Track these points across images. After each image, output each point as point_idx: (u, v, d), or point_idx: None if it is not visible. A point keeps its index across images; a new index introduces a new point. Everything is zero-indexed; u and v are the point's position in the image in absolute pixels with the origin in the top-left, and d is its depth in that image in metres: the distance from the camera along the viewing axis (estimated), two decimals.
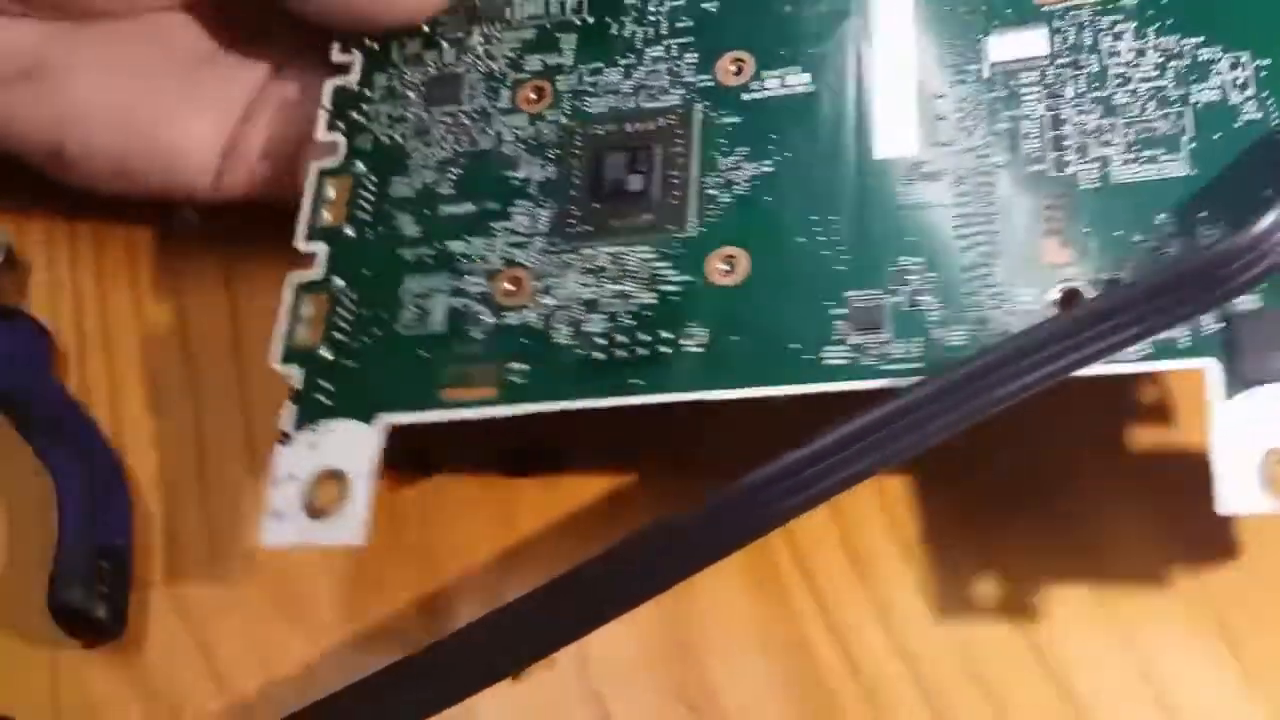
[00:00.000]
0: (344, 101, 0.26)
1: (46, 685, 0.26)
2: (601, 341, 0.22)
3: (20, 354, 0.28)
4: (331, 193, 0.24)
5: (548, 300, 0.23)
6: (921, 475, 0.25)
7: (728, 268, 0.22)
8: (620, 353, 0.22)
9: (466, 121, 0.24)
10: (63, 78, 0.28)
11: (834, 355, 0.20)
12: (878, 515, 0.25)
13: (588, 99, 0.24)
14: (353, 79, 0.26)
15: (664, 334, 0.22)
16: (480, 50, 0.25)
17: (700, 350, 0.21)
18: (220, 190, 0.27)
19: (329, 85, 0.26)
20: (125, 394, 0.29)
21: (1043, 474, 0.25)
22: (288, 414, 0.23)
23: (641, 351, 0.22)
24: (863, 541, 0.25)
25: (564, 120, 0.24)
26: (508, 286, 0.23)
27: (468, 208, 0.24)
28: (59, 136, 0.27)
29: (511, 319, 0.22)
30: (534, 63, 0.25)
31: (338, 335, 0.23)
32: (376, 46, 0.26)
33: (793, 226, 0.22)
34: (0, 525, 0.28)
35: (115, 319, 0.30)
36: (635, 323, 0.22)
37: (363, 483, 0.22)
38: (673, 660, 0.24)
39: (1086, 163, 0.21)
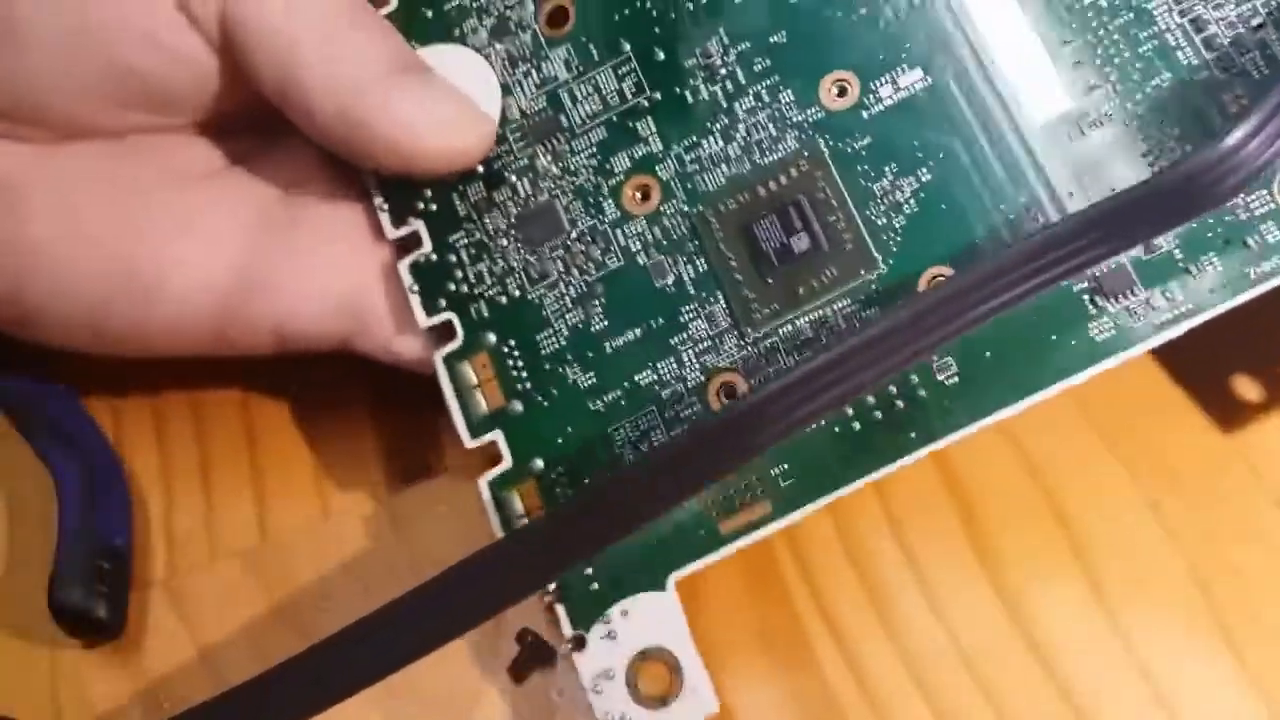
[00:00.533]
0: (432, 277, 0.24)
1: (46, 685, 0.27)
2: (849, 410, 0.22)
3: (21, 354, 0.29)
4: (471, 376, 0.24)
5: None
6: (922, 475, 0.26)
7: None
8: (875, 414, 0.22)
9: (582, 248, 0.24)
10: (16, 203, 0.25)
11: (1101, 329, 0.21)
12: (878, 515, 0.26)
13: (700, 177, 0.23)
14: (426, 249, 0.25)
15: (911, 377, 0.22)
16: (556, 169, 0.24)
17: (955, 381, 0.22)
18: (236, 344, 0.26)
19: (404, 267, 0.24)
20: (125, 394, 0.29)
21: (1043, 473, 0.26)
22: (563, 617, 0.22)
23: (898, 404, 0.22)
24: (863, 541, 0.26)
25: (686, 209, 0.24)
26: (720, 395, 0.22)
27: (634, 334, 0.23)
28: (15, 281, 0.25)
29: None
30: (622, 161, 0.24)
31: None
32: (434, 207, 0.25)
33: (984, 222, 0.22)
34: (0, 525, 0.29)
35: None
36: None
37: (689, 651, 0.22)
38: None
39: (1249, 51, 0.21)
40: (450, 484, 0.27)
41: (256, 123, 0.26)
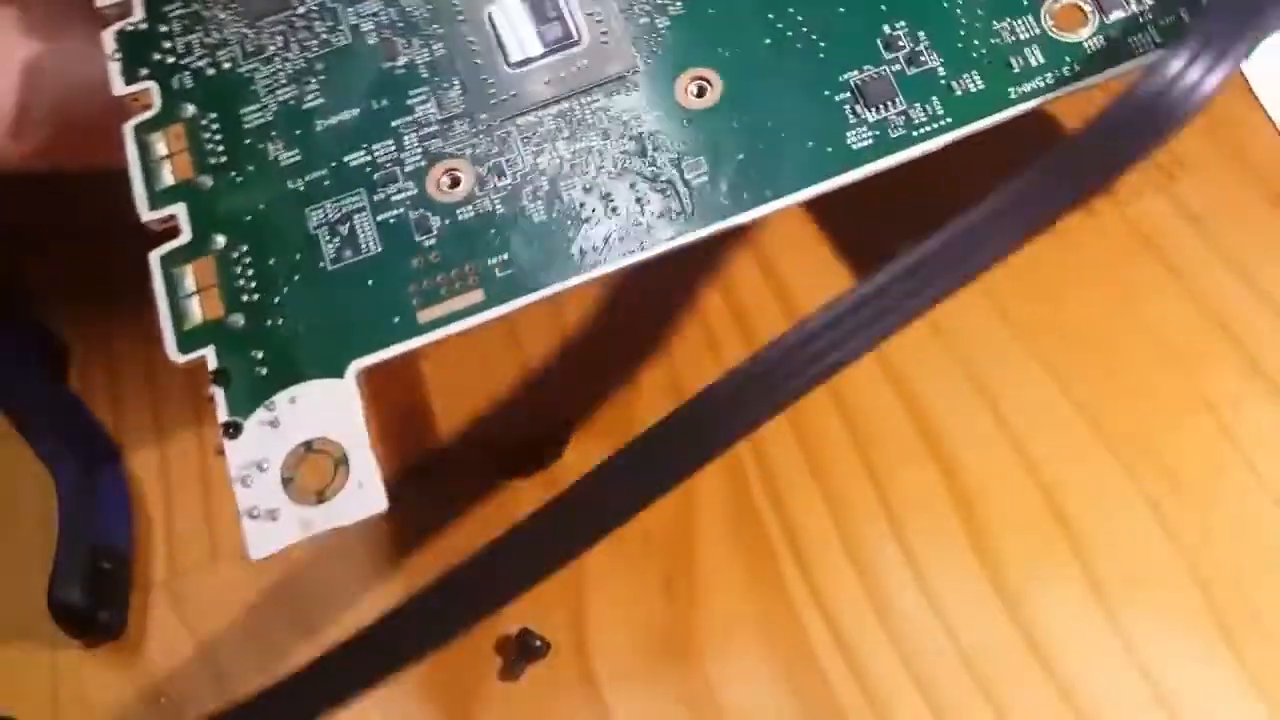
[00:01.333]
0: (137, 45, 0.24)
1: (47, 685, 0.29)
2: (583, 203, 0.22)
3: (21, 354, 0.32)
4: (162, 147, 0.23)
5: (503, 181, 0.22)
6: (922, 475, 0.29)
7: (699, 94, 0.22)
8: (615, 205, 0.22)
9: (307, 25, 0.23)
10: None
11: (859, 138, 0.22)
12: (878, 515, 0.29)
13: None
14: (137, 17, 0.24)
15: (665, 173, 0.22)
16: None
17: (706, 179, 0.22)
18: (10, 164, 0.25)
19: (108, 34, 0.24)
20: (125, 394, 0.32)
21: (1042, 473, 0.29)
22: (220, 402, 0.21)
23: (654, 195, 0.22)
24: (862, 541, 0.28)
25: None
26: (445, 181, 0.22)
27: (350, 114, 0.23)
28: None
29: (467, 214, 0.22)
30: None
31: (245, 297, 0.21)
32: None
33: (754, 28, 0.23)
34: (0, 525, 0.31)
35: (115, 319, 0.33)
36: (621, 175, 0.22)
37: (359, 443, 0.20)
38: (673, 660, 0.27)
39: None
40: (450, 482, 0.30)
41: None
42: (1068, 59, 0.22)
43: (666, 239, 0.21)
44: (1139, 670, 0.26)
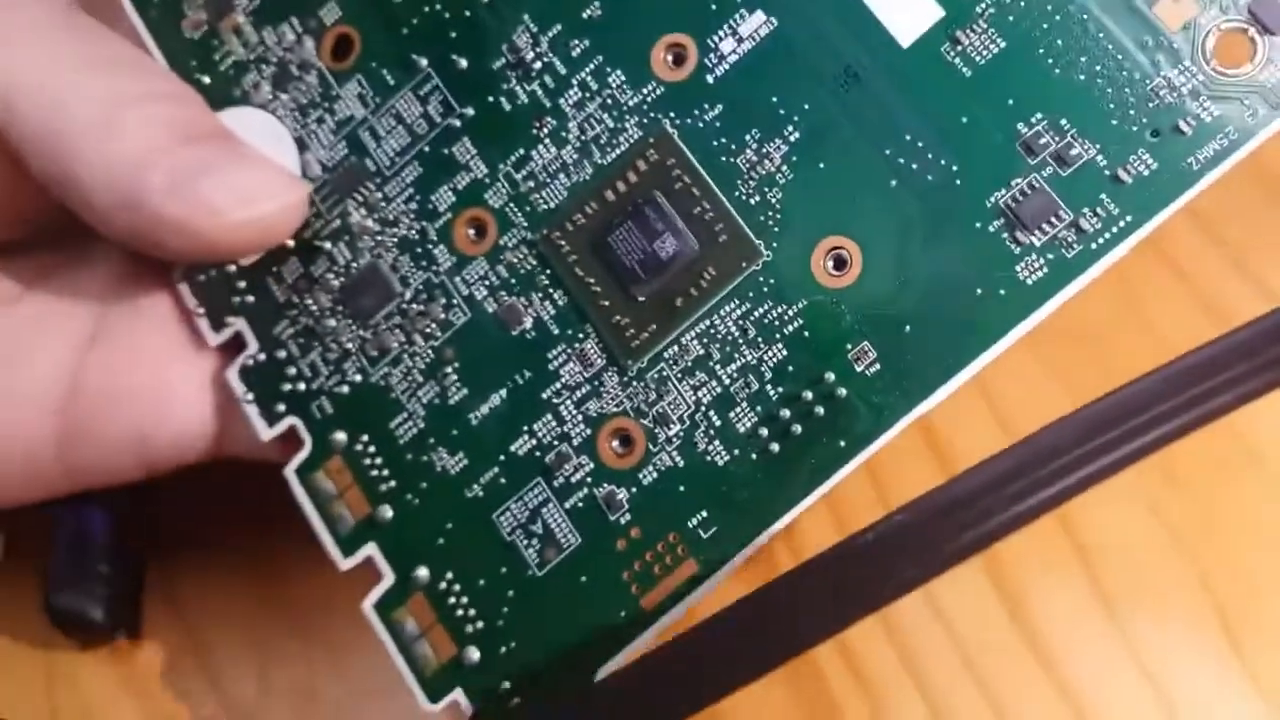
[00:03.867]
0: (264, 380, 0.24)
1: (43, 686, 0.29)
2: (764, 432, 0.21)
3: None
4: (329, 485, 0.23)
5: (669, 430, 0.21)
6: (922, 475, 0.28)
7: (838, 267, 0.21)
8: (796, 428, 0.21)
9: (420, 308, 0.23)
10: None
11: (1029, 269, 0.20)
12: (877, 514, 0.27)
13: (537, 196, 0.23)
14: (252, 350, 0.24)
15: (826, 375, 0.21)
16: (372, 224, 0.24)
17: (877, 369, 0.21)
18: (91, 472, 0.26)
19: (233, 376, 0.24)
20: None
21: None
22: None
23: (817, 410, 0.21)
24: None
25: (530, 235, 0.23)
26: (614, 447, 0.22)
27: (498, 397, 0.22)
28: None
29: (649, 476, 0.21)
30: (445, 197, 0.23)
31: (470, 627, 0.22)
32: (251, 299, 0.24)
33: (876, 173, 0.21)
34: None
35: None
36: (784, 385, 0.21)
37: None
38: None
39: None
40: None
41: (57, 232, 0.25)
42: (1247, 102, 0.19)
43: (863, 444, 0.20)
44: (1140, 670, 0.26)
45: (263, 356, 0.24)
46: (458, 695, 0.22)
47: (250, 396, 0.24)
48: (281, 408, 0.24)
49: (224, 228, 0.22)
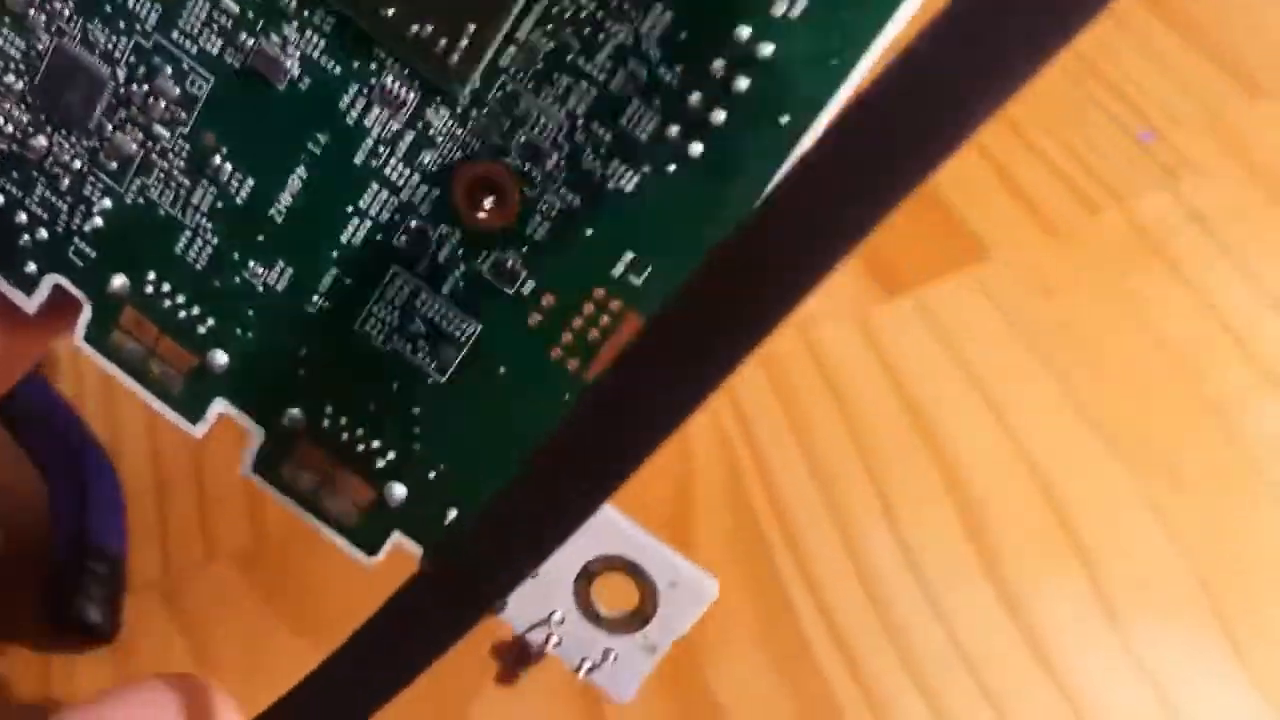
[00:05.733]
0: None
1: (40, 689, 0.29)
2: (674, 131, 0.15)
3: None
4: (135, 344, 0.17)
5: (546, 163, 0.15)
6: (922, 475, 0.29)
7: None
8: (716, 115, 0.14)
9: (143, 89, 0.16)
10: None
11: None
12: (878, 515, 0.29)
13: None
14: None
15: (738, 32, 0.14)
16: None
17: (804, 4, 0.15)
18: None
19: None
20: (119, 397, 0.32)
21: (1044, 474, 0.29)
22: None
23: (738, 83, 0.14)
24: (862, 542, 0.28)
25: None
26: (482, 203, 0.15)
27: (297, 179, 0.16)
28: None
29: (537, 229, 0.15)
30: None
31: (363, 447, 0.17)
32: None
33: None
34: None
35: None
36: (682, 60, 0.15)
37: (642, 542, 0.17)
38: (670, 661, 0.25)
39: None
40: None
41: None
42: None
43: (813, 110, 0.14)
44: (1141, 671, 0.27)
45: None
46: (397, 538, 0.18)
47: None
48: (32, 267, 0.18)
49: None
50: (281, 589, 0.30)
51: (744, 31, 0.14)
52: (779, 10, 0.14)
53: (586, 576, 0.17)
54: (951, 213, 0.34)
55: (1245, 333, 0.31)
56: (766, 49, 0.14)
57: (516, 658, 0.27)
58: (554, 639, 0.18)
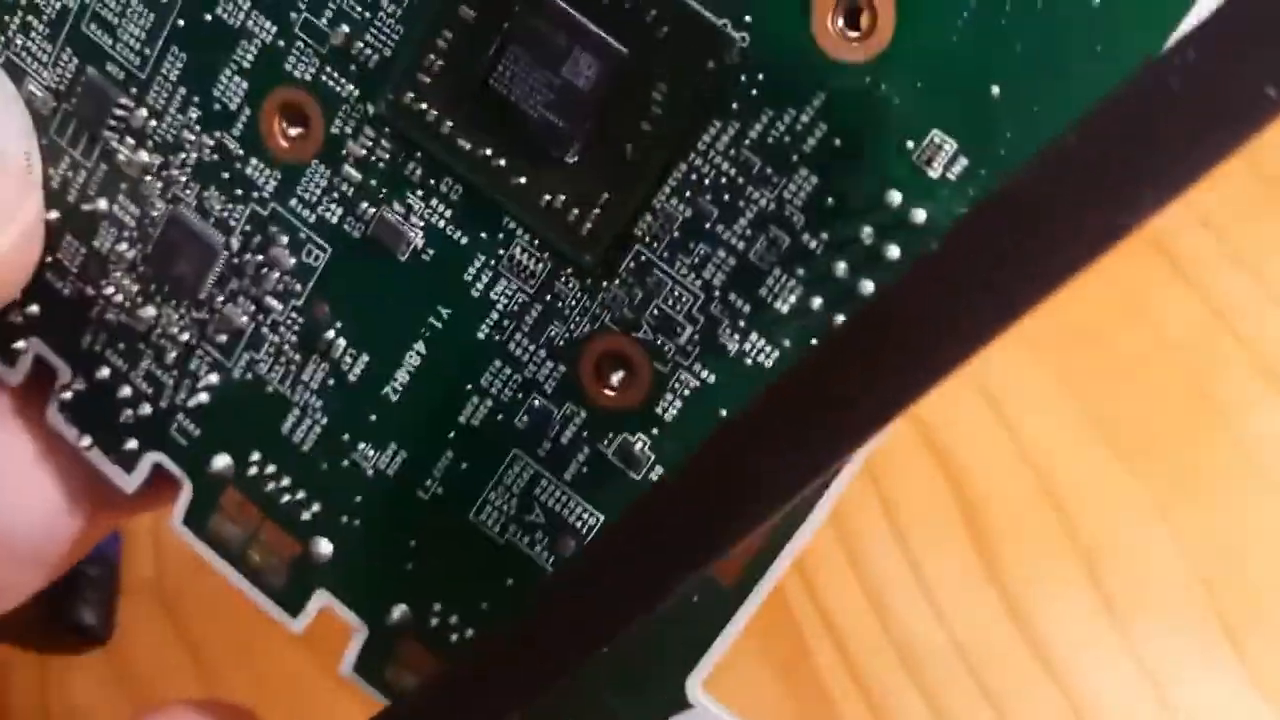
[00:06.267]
0: (94, 412, 0.17)
1: (35, 691, 0.30)
2: (817, 303, 0.14)
3: None
4: (236, 529, 0.16)
5: (679, 337, 0.14)
6: (924, 476, 0.29)
7: (852, 24, 0.13)
8: (864, 284, 0.14)
9: (256, 259, 0.15)
10: None
11: None
12: (878, 516, 0.29)
13: (360, 45, 0.15)
14: (65, 376, 0.17)
15: (889, 195, 0.13)
16: (147, 156, 0.16)
17: (964, 163, 0.13)
18: None
19: (54, 416, 0.17)
20: None
21: (1047, 476, 0.29)
22: None
23: (888, 250, 0.14)
24: (862, 543, 0.28)
25: (370, 108, 0.15)
26: (609, 380, 0.14)
27: (415, 355, 0.15)
28: None
29: (668, 408, 0.14)
30: (233, 87, 0.15)
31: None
32: (35, 308, 0.17)
33: None
34: None
35: None
36: (827, 225, 0.14)
37: None
38: None
39: None
40: None
41: None
42: None
43: None
44: (1142, 672, 0.27)
45: (81, 383, 0.17)
46: None
47: (88, 441, 0.17)
48: (133, 444, 0.17)
49: None
50: None
51: (895, 197, 0.13)
52: (935, 173, 0.13)
53: None
54: None
55: (1249, 334, 0.31)
56: (919, 214, 0.13)
57: None
58: None
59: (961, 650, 0.27)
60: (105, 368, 0.17)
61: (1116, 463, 0.29)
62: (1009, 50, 0.13)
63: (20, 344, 0.17)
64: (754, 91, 0.14)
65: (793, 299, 0.14)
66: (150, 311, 0.16)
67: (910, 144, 0.13)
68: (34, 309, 0.17)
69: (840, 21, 0.13)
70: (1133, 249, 0.32)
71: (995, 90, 0.13)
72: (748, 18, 0.13)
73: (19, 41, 0.16)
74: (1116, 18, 0.12)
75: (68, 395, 0.17)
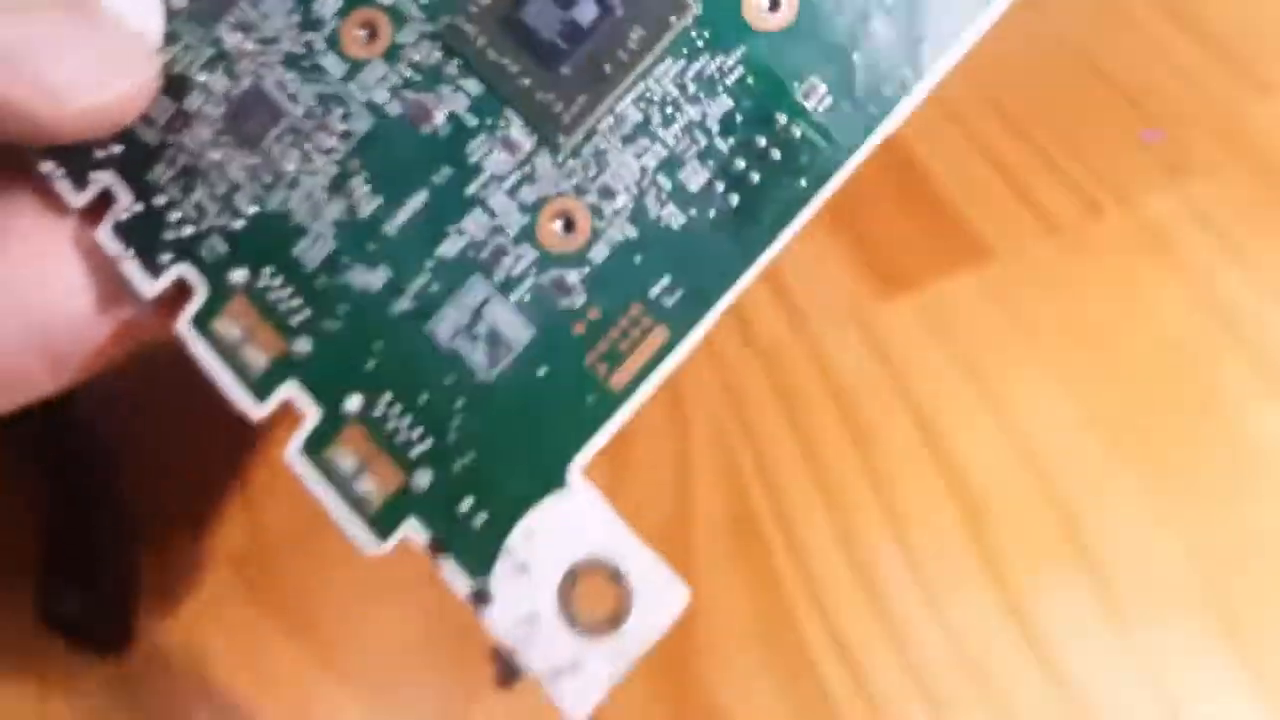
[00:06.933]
0: (144, 232, 0.22)
1: (36, 692, 0.30)
2: (720, 186, 0.20)
3: None
4: (234, 329, 0.21)
5: (616, 203, 0.21)
6: (924, 475, 0.30)
7: (772, 7, 0.21)
8: (753, 175, 0.20)
9: (314, 123, 0.21)
10: None
11: None
12: (878, 516, 0.30)
13: None
14: (126, 202, 0.22)
15: (777, 117, 0.20)
16: (251, 45, 0.22)
17: (829, 101, 0.20)
18: None
19: (104, 233, 0.21)
20: (120, 399, 0.33)
21: (1047, 476, 0.30)
22: (452, 573, 0.19)
23: (773, 154, 0.20)
24: (863, 542, 0.29)
25: (430, 28, 0.22)
26: (559, 228, 0.20)
27: (419, 200, 0.21)
28: None
29: (601, 253, 0.20)
30: (329, 2, 0.22)
31: (416, 450, 0.20)
32: (119, 148, 0.22)
33: None
34: None
35: None
36: (734, 135, 0.20)
37: (626, 546, 0.19)
38: (671, 662, 0.28)
39: None
40: None
41: None
42: None
43: (824, 179, 0.20)
44: (1142, 673, 0.27)
45: (139, 206, 0.22)
46: (410, 524, 0.20)
47: (130, 252, 0.21)
48: (167, 257, 0.21)
49: (66, 117, 0.21)
50: (276, 591, 0.30)
51: (782, 118, 0.20)
52: (810, 104, 0.20)
53: (570, 577, 0.19)
54: (953, 212, 0.35)
55: (1250, 332, 0.31)
56: (796, 131, 0.20)
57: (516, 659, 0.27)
58: (520, 637, 0.19)
59: (961, 650, 0.27)
60: (163, 196, 0.22)
61: (1116, 462, 0.29)
62: (868, 35, 0.20)
63: (95, 174, 0.22)
64: (698, 43, 0.20)
65: (701, 181, 0.20)
66: (216, 155, 0.22)
67: (796, 84, 0.20)
68: (117, 149, 0.22)
69: (764, 5, 0.20)
70: (1135, 250, 0.33)
71: (855, 58, 0.20)
72: None
73: None
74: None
75: (124, 217, 0.22)
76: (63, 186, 0.22)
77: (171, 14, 0.22)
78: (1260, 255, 0.33)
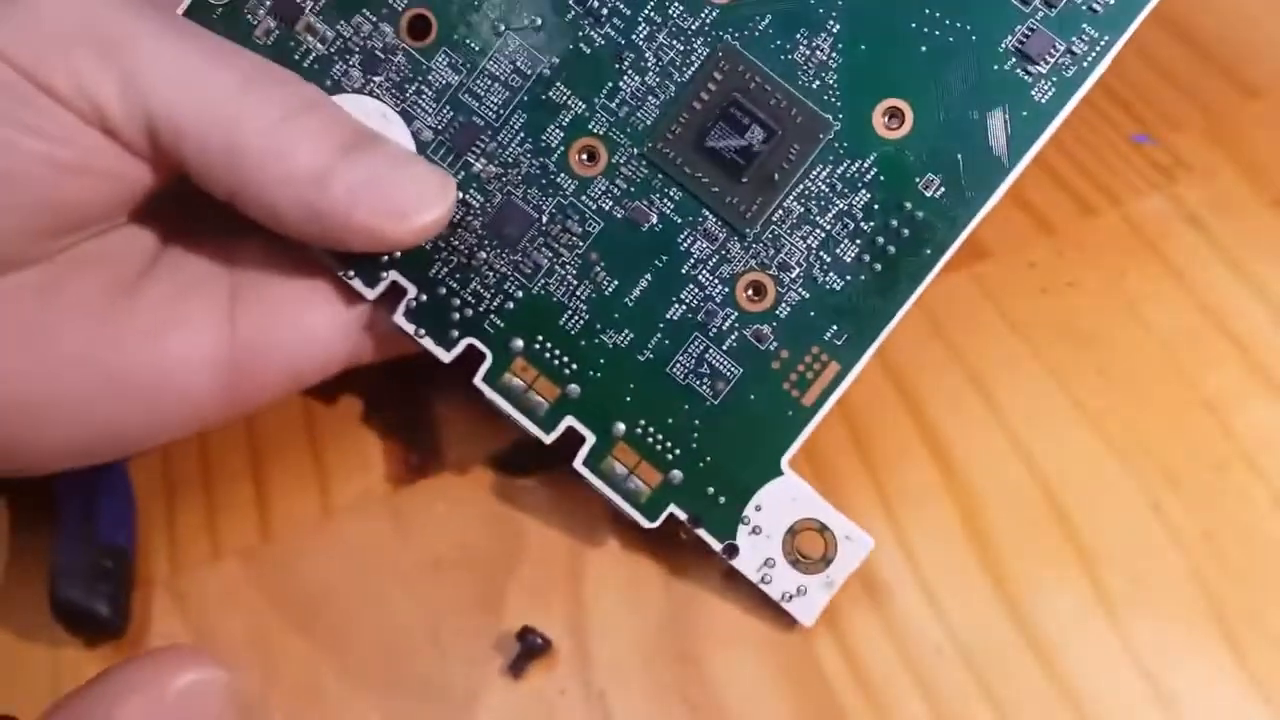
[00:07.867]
0: (433, 315, 0.29)
1: (48, 683, 0.31)
2: (866, 258, 0.28)
3: None
4: (518, 382, 0.29)
5: (791, 274, 0.28)
6: (923, 474, 0.31)
7: (893, 122, 0.28)
8: (890, 249, 0.28)
9: (558, 228, 0.29)
10: None
11: (1041, 92, 0.27)
12: (878, 514, 0.31)
13: (634, 117, 0.29)
14: (412, 294, 0.29)
15: (905, 205, 0.28)
16: (495, 169, 0.29)
17: (942, 191, 0.28)
18: (251, 405, 0.30)
19: (401, 319, 0.29)
20: None
21: (1044, 474, 0.31)
22: (709, 538, 0.29)
23: (904, 232, 0.28)
24: None
25: (637, 150, 0.29)
26: (752, 294, 0.29)
27: (646, 280, 0.29)
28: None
29: (784, 311, 0.29)
30: (554, 135, 0.29)
31: (670, 455, 0.29)
32: (399, 254, 0.29)
33: (908, 42, 0.28)
34: (2, 523, 0.33)
35: None
36: (873, 219, 0.28)
37: (828, 509, 0.28)
38: (674, 660, 0.30)
39: None
40: (451, 481, 0.33)
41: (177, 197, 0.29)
42: None
43: (944, 249, 0.28)
44: (1140, 670, 0.28)
45: (424, 297, 0.30)
46: (673, 509, 0.29)
47: (422, 332, 0.30)
48: (455, 334, 0.30)
49: (409, 231, 0.27)
50: (285, 588, 0.32)
51: (908, 204, 0.28)
52: (929, 194, 0.28)
53: (791, 533, 0.29)
54: None
55: (1242, 332, 0.33)
56: (919, 215, 0.28)
57: (520, 652, 0.30)
58: (763, 574, 0.29)
59: (961, 649, 0.29)
60: (443, 288, 0.30)
61: (1113, 460, 0.31)
62: (967, 141, 0.28)
63: (384, 274, 0.30)
64: (841, 151, 0.28)
65: (851, 254, 0.28)
66: (483, 255, 0.29)
67: (917, 179, 0.28)
68: (399, 253, 0.29)
69: (886, 119, 0.27)
70: (1128, 251, 0.35)
71: (959, 158, 0.27)
72: (840, 115, 0.28)
73: (413, 100, 0.29)
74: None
75: (413, 304, 0.30)
76: (357, 284, 0.30)
77: (421, 145, 0.29)
78: (1250, 256, 0.34)
